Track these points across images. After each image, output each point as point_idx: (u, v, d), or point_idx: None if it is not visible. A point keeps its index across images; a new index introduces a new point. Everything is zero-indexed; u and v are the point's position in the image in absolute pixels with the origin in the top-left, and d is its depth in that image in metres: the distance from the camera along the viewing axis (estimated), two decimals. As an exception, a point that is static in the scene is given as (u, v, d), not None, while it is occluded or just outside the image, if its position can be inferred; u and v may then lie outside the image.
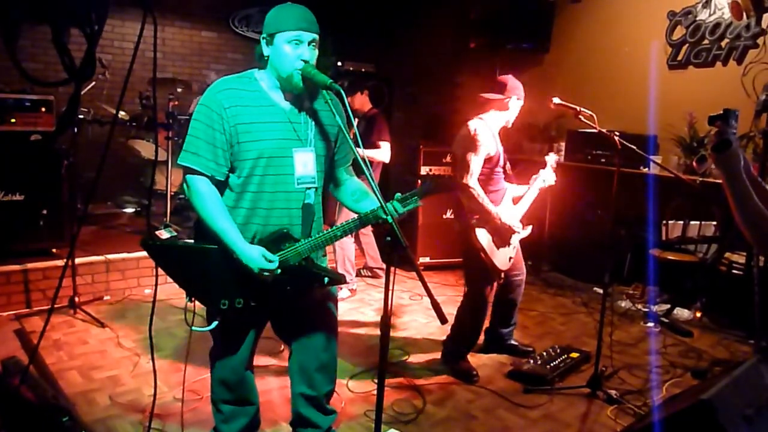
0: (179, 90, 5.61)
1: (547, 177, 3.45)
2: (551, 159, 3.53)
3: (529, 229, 3.41)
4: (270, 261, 1.97)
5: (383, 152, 4.53)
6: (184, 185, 2.05)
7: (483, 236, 3.18)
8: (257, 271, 1.96)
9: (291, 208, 2.07)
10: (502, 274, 3.33)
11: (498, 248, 3.23)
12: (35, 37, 5.22)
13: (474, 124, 3.23)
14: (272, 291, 2.04)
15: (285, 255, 2.01)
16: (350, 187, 2.29)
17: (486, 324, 3.66)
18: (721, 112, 1.75)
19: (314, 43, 1.99)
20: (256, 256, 1.96)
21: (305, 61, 1.95)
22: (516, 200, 3.41)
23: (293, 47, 1.95)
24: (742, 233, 1.70)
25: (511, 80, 3.28)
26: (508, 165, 3.43)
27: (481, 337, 3.63)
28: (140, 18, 1.42)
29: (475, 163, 3.15)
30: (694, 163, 4.64)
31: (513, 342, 3.72)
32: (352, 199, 2.25)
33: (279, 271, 1.99)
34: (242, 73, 2.08)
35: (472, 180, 3.14)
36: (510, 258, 3.34)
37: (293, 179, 2.05)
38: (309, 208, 2.10)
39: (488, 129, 3.24)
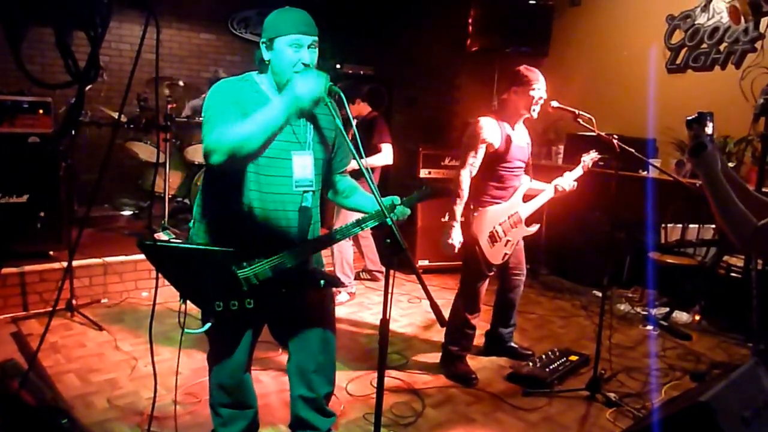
0: (175, 89, 5.58)
1: (570, 177, 3.44)
2: (587, 158, 3.53)
3: (535, 227, 3.41)
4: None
5: (385, 155, 4.52)
6: (212, 154, 1.81)
7: (479, 227, 3.19)
8: (325, 88, 1.81)
9: (288, 210, 2.07)
10: (493, 267, 3.32)
11: (492, 243, 3.23)
12: (32, 38, 5.19)
13: (481, 118, 3.20)
14: (268, 293, 2.03)
15: (282, 258, 2.00)
16: (341, 185, 2.30)
17: (486, 327, 3.66)
18: (696, 115, 1.74)
19: (314, 46, 2.00)
20: (307, 86, 1.79)
21: (306, 64, 1.96)
22: (528, 198, 3.39)
23: (294, 50, 1.95)
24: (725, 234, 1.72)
25: (522, 70, 3.31)
26: (530, 161, 3.39)
27: (481, 339, 3.62)
28: (138, 20, 1.42)
29: (471, 156, 3.15)
30: (673, 166, 4.65)
31: (512, 345, 3.71)
32: (342, 196, 2.29)
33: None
34: (242, 76, 2.08)
35: (464, 171, 3.16)
36: (505, 254, 3.33)
37: (291, 182, 2.05)
38: (306, 211, 2.10)
39: (495, 123, 3.19)
